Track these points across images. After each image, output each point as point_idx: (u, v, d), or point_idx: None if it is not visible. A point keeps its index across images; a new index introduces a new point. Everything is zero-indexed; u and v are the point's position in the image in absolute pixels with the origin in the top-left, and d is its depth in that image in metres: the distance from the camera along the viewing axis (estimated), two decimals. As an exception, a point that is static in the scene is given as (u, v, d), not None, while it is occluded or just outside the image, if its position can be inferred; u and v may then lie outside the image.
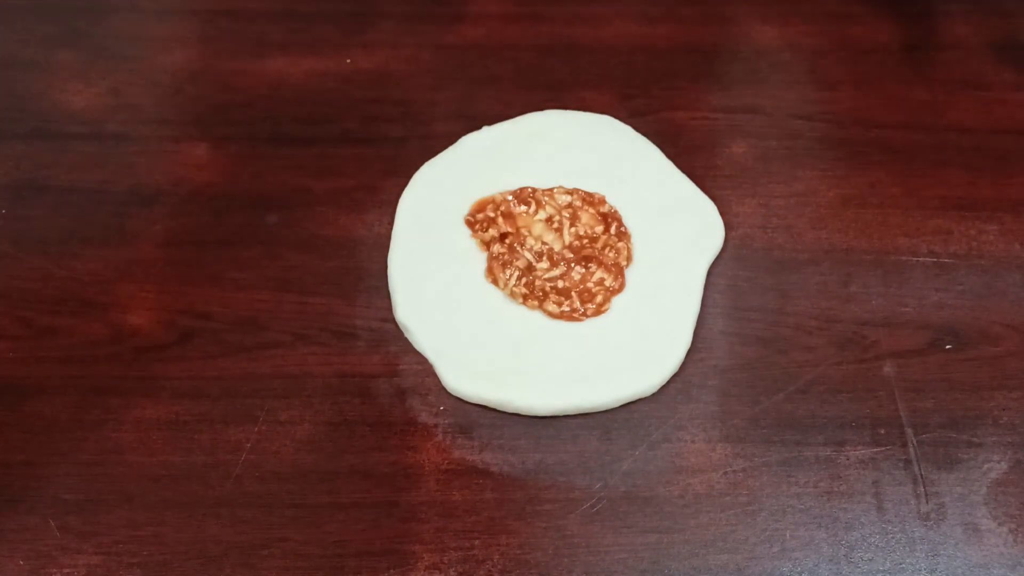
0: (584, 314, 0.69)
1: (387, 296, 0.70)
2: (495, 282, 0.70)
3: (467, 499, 0.64)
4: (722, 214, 0.73)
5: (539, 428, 0.66)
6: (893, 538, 0.63)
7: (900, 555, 0.63)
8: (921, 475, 0.65)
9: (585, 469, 0.65)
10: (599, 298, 0.69)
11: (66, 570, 0.62)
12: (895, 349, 0.69)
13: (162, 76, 0.79)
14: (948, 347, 0.69)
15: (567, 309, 0.69)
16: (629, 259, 0.71)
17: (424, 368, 0.68)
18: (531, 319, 0.69)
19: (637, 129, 0.76)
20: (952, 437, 0.66)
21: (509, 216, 0.72)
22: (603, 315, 0.69)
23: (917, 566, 0.62)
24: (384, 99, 0.78)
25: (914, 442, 0.66)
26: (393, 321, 0.69)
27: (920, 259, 0.72)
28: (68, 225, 0.73)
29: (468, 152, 0.75)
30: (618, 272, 0.70)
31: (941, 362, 0.68)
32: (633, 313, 0.69)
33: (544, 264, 0.70)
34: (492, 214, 0.72)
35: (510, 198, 0.72)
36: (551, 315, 0.69)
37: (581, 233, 0.71)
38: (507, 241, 0.71)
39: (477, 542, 0.63)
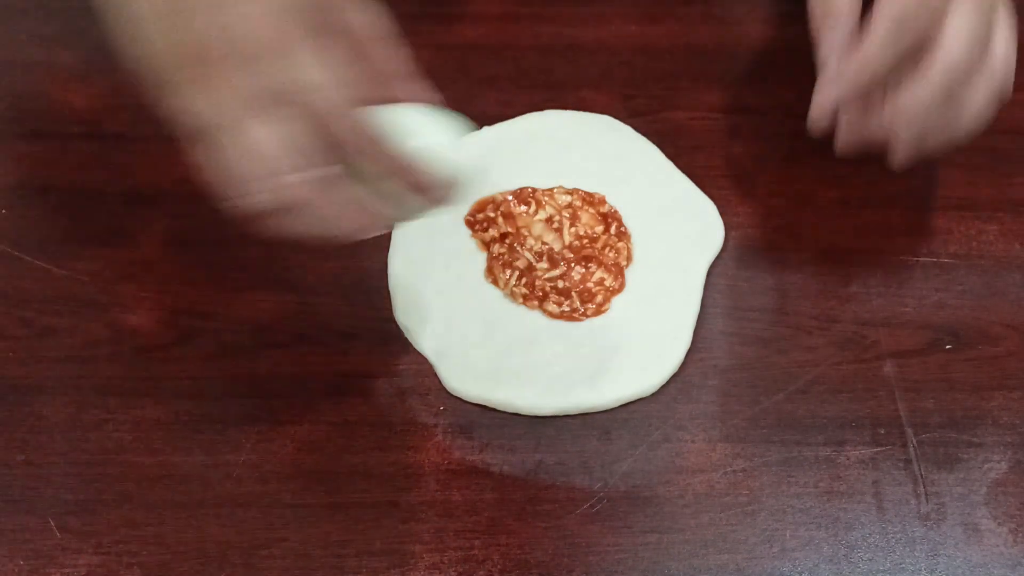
0: (584, 314, 0.69)
1: (387, 296, 0.70)
2: (495, 282, 0.70)
3: (467, 499, 0.64)
4: (722, 214, 0.73)
5: (539, 428, 0.66)
6: (893, 538, 0.63)
7: (900, 555, 0.63)
8: (921, 475, 0.65)
9: (585, 469, 0.65)
10: (599, 298, 0.69)
11: (66, 570, 0.62)
12: (895, 349, 0.69)
13: (162, 76, 0.79)
14: (948, 347, 0.69)
15: (567, 309, 0.69)
16: (629, 259, 0.71)
17: (424, 368, 0.68)
18: (531, 319, 0.69)
19: (637, 129, 0.76)
20: (952, 437, 0.66)
21: (509, 216, 0.72)
22: (603, 315, 0.69)
23: (917, 566, 0.62)
24: (384, 99, 0.78)
25: (914, 442, 0.66)
26: (393, 321, 0.69)
27: (920, 259, 0.72)
28: (68, 225, 0.73)
29: (468, 152, 0.75)
30: (618, 272, 0.70)
31: (941, 362, 0.68)
32: (633, 313, 0.69)
33: (544, 264, 0.70)
34: (492, 214, 0.72)
35: (510, 198, 0.72)
36: (551, 315, 0.69)
37: (581, 233, 0.71)
38: (507, 241, 0.71)
39: (477, 542, 0.63)
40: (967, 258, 0.72)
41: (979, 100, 0.66)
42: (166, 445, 0.66)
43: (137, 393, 0.67)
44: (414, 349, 0.69)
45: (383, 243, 0.72)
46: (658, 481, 0.64)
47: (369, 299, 0.70)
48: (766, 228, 0.73)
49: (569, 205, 0.72)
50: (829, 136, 0.68)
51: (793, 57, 0.80)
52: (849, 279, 0.71)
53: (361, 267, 0.71)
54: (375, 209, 0.58)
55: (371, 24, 0.57)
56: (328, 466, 0.65)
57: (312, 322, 0.70)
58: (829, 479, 0.65)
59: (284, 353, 0.68)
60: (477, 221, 0.72)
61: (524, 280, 0.70)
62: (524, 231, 0.71)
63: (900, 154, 0.67)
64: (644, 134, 0.76)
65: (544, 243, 0.71)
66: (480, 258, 0.71)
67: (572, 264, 0.70)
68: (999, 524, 0.64)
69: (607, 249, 0.71)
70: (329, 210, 0.57)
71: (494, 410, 0.67)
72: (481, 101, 0.78)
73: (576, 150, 0.75)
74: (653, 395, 0.67)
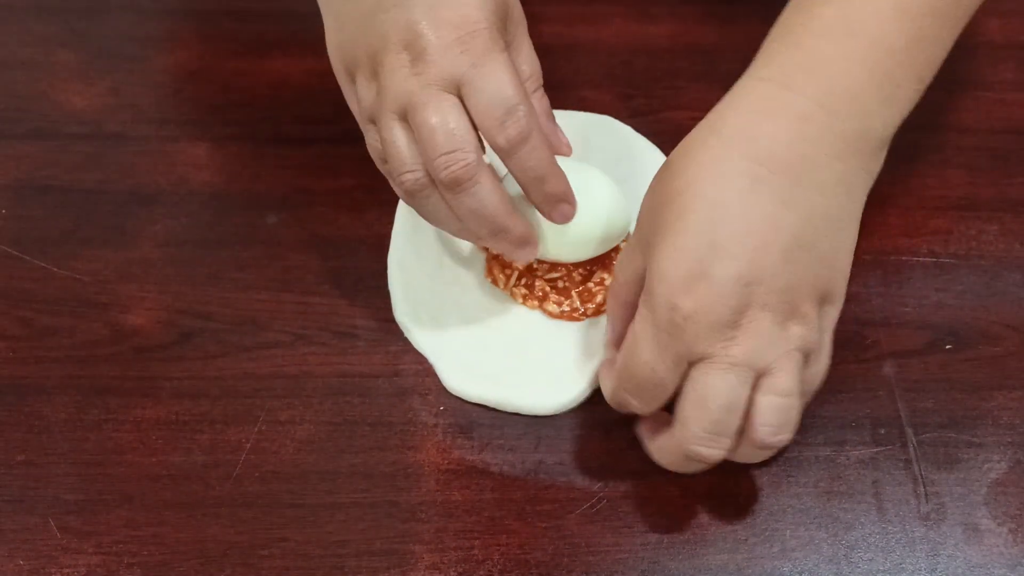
0: (584, 314, 0.69)
1: (387, 296, 0.70)
2: (495, 282, 0.70)
3: (467, 499, 0.64)
4: (722, 214, 0.73)
5: (539, 428, 0.66)
6: (893, 538, 0.63)
7: (900, 555, 0.63)
8: (921, 475, 0.65)
9: (585, 469, 0.65)
10: (599, 298, 0.69)
11: (66, 570, 0.62)
12: (895, 349, 0.69)
13: (162, 76, 0.79)
14: (948, 347, 0.69)
15: (567, 309, 0.69)
16: (629, 259, 0.71)
17: (424, 368, 0.68)
18: (531, 319, 0.69)
19: (637, 129, 0.76)
20: (952, 437, 0.66)
21: (509, 216, 0.72)
22: (603, 315, 0.69)
23: (917, 566, 0.62)
24: (384, 99, 0.78)
25: (914, 442, 0.66)
26: (393, 321, 0.69)
27: (920, 259, 0.72)
28: (68, 225, 0.73)
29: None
30: (618, 272, 0.70)
31: (941, 362, 0.68)
32: (633, 313, 0.69)
33: (544, 264, 0.70)
34: (492, 214, 0.72)
35: (510, 198, 0.72)
36: (551, 315, 0.69)
37: (581, 233, 0.71)
38: (507, 241, 0.71)
39: (477, 542, 0.63)
40: (967, 258, 0.72)
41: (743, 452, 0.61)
42: (166, 445, 0.66)
43: (137, 393, 0.67)
44: (414, 349, 0.69)
45: (383, 243, 0.72)
46: (658, 481, 0.64)
47: (369, 299, 0.70)
48: (766, 228, 0.73)
49: (569, 205, 0.72)
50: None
51: (793, 57, 0.80)
52: (849, 279, 0.71)
53: (361, 267, 0.71)
54: (516, 208, 0.63)
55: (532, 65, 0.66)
56: (328, 466, 0.65)
57: (312, 322, 0.70)
58: (829, 479, 0.65)
59: (284, 353, 0.69)
60: (477, 221, 0.72)
61: (524, 280, 0.69)
62: (524, 231, 0.71)
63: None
64: (644, 134, 0.76)
65: (544, 243, 0.71)
66: (480, 258, 0.71)
67: (572, 264, 0.70)
68: (999, 524, 0.64)
69: (607, 249, 0.71)
70: (490, 197, 0.61)
71: (494, 410, 0.67)
72: (481, 101, 0.78)
73: (576, 150, 0.75)
74: (653, 395, 0.67)
